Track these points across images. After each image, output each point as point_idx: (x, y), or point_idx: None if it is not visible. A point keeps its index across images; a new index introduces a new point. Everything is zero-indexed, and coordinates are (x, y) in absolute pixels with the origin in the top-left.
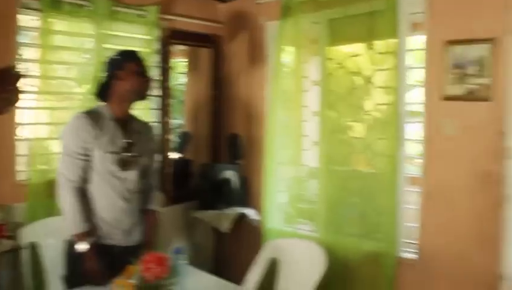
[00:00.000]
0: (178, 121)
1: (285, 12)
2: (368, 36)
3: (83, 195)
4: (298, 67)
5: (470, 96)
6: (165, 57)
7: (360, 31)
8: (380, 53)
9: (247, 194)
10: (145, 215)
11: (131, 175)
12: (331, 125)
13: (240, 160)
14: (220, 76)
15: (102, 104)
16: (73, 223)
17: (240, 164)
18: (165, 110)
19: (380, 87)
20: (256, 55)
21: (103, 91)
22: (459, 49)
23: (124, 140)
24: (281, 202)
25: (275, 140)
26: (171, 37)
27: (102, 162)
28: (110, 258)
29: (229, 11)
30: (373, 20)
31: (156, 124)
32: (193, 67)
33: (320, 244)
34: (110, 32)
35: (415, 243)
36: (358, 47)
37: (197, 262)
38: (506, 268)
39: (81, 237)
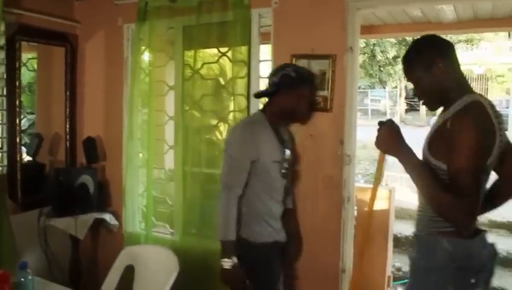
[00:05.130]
0: (28, 122)
1: (142, 15)
2: (221, 43)
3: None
4: (155, 71)
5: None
6: (13, 53)
7: (214, 39)
8: (233, 61)
9: (105, 199)
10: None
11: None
12: (186, 129)
13: (97, 163)
14: (74, 76)
15: (258, 113)
16: (227, 231)
17: (96, 167)
18: (13, 110)
19: (234, 94)
20: (113, 56)
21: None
22: (303, 63)
23: (285, 149)
24: (140, 206)
25: (133, 143)
26: (20, 33)
27: (267, 170)
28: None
29: (86, 10)
30: (226, 29)
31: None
32: (45, 65)
33: (178, 246)
34: None
35: None
36: (213, 54)
37: (52, 272)
38: (345, 262)
39: (229, 248)
